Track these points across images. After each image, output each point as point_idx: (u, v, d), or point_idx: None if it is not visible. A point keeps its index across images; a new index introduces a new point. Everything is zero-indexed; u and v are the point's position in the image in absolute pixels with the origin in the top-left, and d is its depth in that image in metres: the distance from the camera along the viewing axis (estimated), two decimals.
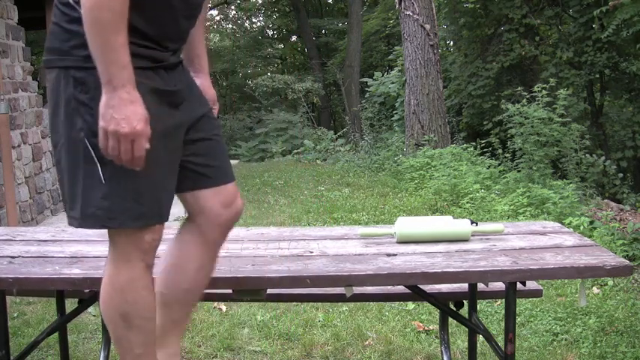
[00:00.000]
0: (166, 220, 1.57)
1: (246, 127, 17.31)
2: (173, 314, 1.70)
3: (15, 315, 3.32)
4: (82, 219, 1.49)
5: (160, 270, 1.70)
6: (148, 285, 1.57)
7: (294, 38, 24.29)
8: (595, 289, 3.62)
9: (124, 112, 1.36)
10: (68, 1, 1.45)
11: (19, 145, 5.55)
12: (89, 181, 1.46)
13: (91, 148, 1.44)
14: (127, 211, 1.47)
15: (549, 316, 3.20)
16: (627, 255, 4.00)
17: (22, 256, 1.94)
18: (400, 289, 2.22)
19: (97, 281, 1.74)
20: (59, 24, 1.47)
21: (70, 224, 1.53)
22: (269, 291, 1.88)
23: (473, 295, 2.21)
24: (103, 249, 2.02)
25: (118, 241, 1.53)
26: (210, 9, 24.29)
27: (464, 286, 2.23)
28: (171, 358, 1.69)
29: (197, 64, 1.82)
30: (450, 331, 2.62)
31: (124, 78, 1.36)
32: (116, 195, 1.46)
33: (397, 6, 9.01)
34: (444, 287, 2.28)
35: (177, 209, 1.79)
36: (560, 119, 6.57)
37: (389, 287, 2.27)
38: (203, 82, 1.82)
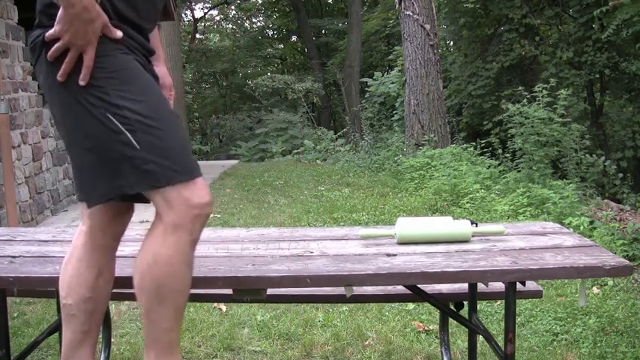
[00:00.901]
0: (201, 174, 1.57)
1: (246, 127, 17.33)
2: (81, 325, 1.67)
3: (15, 315, 3.33)
4: (129, 186, 1.50)
5: (61, 280, 1.67)
6: (189, 261, 1.56)
7: (294, 38, 24.32)
8: (595, 289, 3.62)
9: (75, 24, 1.45)
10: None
11: (19, 145, 5.56)
12: (124, 151, 1.48)
13: (115, 121, 1.48)
14: (169, 168, 1.49)
15: (549, 316, 3.20)
16: (627, 255, 4.00)
17: (23, 256, 1.95)
18: (400, 289, 2.22)
19: None
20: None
21: (116, 194, 1.53)
22: (269, 291, 1.88)
23: (473, 295, 2.21)
24: None
25: (166, 206, 1.51)
26: (210, 9, 24.30)
27: (464, 287, 2.24)
28: None
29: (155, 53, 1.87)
30: (450, 331, 2.62)
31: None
32: (154, 156, 1.48)
33: (397, 6, 9.02)
34: (445, 288, 2.28)
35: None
36: (561, 119, 6.58)
37: (389, 288, 2.27)
38: (161, 69, 1.87)
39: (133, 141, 1.48)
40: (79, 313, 1.65)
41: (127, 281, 1.74)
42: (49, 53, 1.49)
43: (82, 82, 1.48)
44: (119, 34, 1.51)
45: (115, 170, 1.50)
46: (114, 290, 1.74)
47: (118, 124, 1.48)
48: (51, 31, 1.48)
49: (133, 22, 1.60)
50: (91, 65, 1.48)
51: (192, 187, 1.52)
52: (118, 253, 1.88)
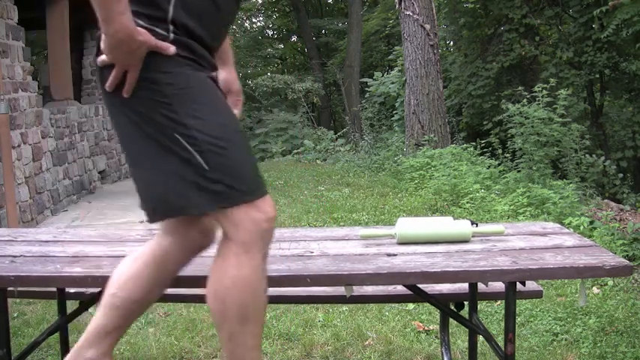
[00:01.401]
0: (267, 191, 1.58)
1: (246, 127, 17.31)
2: (118, 319, 1.67)
3: (15, 315, 3.33)
4: (197, 207, 1.50)
5: (121, 272, 1.68)
6: (265, 275, 1.57)
7: (294, 38, 24.30)
8: (595, 289, 3.62)
9: (121, 49, 1.45)
10: None
11: (19, 145, 5.56)
12: (193, 171, 1.48)
13: (183, 141, 1.47)
14: (236, 188, 1.49)
15: (549, 316, 3.20)
16: (627, 255, 4.00)
17: (24, 256, 1.95)
18: (400, 289, 2.22)
19: (98, 279, 1.75)
20: None
21: (183, 213, 1.54)
22: (269, 291, 1.88)
23: (473, 295, 2.21)
24: (104, 249, 2.02)
25: (234, 227, 1.52)
26: None
27: (464, 287, 2.24)
28: (104, 357, 1.67)
29: (224, 57, 1.84)
30: (450, 331, 2.62)
31: (122, 23, 1.42)
32: (222, 176, 1.48)
33: (397, 6, 9.02)
34: (445, 288, 2.28)
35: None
36: (561, 119, 6.58)
37: (389, 288, 2.27)
38: (229, 75, 1.85)
39: (202, 162, 1.47)
40: (123, 308, 1.66)
41: None
42: (98, 61, 1.50)
43: (125, 94, 1.48)
44: (172, 49, 1.48)
45: (181, 190, 1.50)
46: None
47: (186, 145, 1.47)
48: (100, 58, 1.49)
49: (203, 40, 1.56)
50: (133, 83, 1.47)
51: (259, 205, 1.53)
52: (118, 253, 1.89)
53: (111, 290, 1.66)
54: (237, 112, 1.82)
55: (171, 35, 1.49)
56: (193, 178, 1.48)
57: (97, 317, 1.67)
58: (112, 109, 1.57)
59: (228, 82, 1.83)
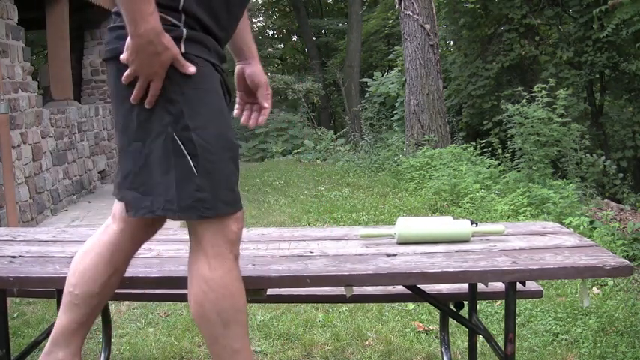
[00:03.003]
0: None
1: (246, 127, 17.29)
2: (81, 316, 1.67)
3: (15, 315, 3.33)
4: (181, 211, 1.50)
5: (74, 269, 1.68)
6: (239, 276, 1.58)
7: (294, 38, 24.29)
8: (595, 289, 3.62)
9: (147, 57, 1.44)
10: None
11: (19, 145, 5.56)
12: (182, 174, 1.48)
13: (180, 142, 1.47)
14: (220, 199, 1.51)
15: (549, 316, 3.20)
16: (627, 255, 4.00)
17: (23, 256, 1.95)
18: (400, 289, 2.22)
19: None
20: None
21: (163, 214, 1.53)
22: (269, 291, 1.88)
23: (473, 295, 2.21)
24: None
25: (206, 235, 1.53)
26: None
27: (464, 287, 2.24)
28: (74, 357, 1.67)
29: (247, 52, 1.83)
30: (450, 331, 2.62)
31: (150, 26, 1.41)
32: (210, 185, 1.49)
33: (397, 6, 9.02)
34: (445, 288, 2.28)
35: None
36: (560, 119, 6.58)
37: (389, 288, 2.27)
38: (255, 68, 1.83)
39: (192, 166, 1.48)
40: (83, 305, 1.65)
41: (127, 281, 1.75)
42: (123, 78, 1.48)
43: (147, 106, 1.47)
44: (192, 69, 1.48)
45: (167, 190, 1.50)
46: (116, 290, 1.74)
47: (182, 147, 1.47)
48: (122, 56, 1.47)
49: (212, 31, 1.57)
50: (156, 94, 1.47)
51: (235, 218, 1.56)
52: None
53: (68, 289, 1.66)
54: (266, 105, 1.83)
55: (184, 30, 1.49)
56: (181, 181, 1.48)
57: (60, 318, 1.67)
58: (116, 98, 1.56)
59: (254, 75, 1.82)
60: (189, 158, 1.47)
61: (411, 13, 8.64)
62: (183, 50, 1.48)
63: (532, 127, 6.46)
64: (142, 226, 1.68)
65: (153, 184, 1.51)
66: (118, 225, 1.67)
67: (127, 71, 1.47)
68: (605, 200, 5.96)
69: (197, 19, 1.52)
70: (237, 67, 1.85)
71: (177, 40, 1.48)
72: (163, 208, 1.51)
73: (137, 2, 1.38)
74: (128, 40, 1.44)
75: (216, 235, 1.53)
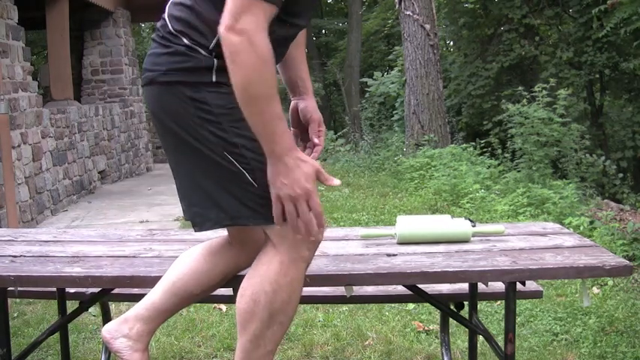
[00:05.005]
0: None
1: None
2: (173, 305, 1.70)
3: (15, 315, 3.33)
4: (246, 218, 1.53)
5: (184, 262, 1.70)
6: (302, 284, 1.59)
7: None
8: (595, 289, 3.62)
9: (292, 176, 1.42)
10: (170, 31, 1.52)
11: (19, 145, 5.56)
12: (241, 188, 1.50)
13: (232, 158, 1.49)
14: None
15: (549, 316, 3.20)
16: (627, 255, 4.00)
17: (24, 256, 1.95)
18: (400, 289, 2.22)
19: (98, 279, 1.75)
20: (163, 52, 1.53)
21: (224, 225, 1.56)
22: None
23: (473, 295, 2.21)
24: (104, 249, 2.02)
25: (281, 240, 1.53)
26: None
27: (464, 287, 2.24)
28: (147, 335, 1.69)
29: (302, 86, 1.80)
30: (450, 331, 2.62)
31: (285, 145, 1.42)
32: (269, 193, 1.48)
33: (397, 6, 9.02)
34: (445, 288, 2.28)
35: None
36: (560, 119, 6.58)
37: (389, 288, 2.27)
38: (308, 103, 1.80)
39: (250, 179, 1.49)
40: (181, 297, 1.68)
41: (127, 281, 1.74)
42: (275, 220, 1.48)
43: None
44: (336, 182, 1.50)
45: (231, 204, 1.52)
46: (115, 291, 1.75)
47: (235, 162, 1.49)
48: (273, 195, 1.46)
49: None
50: (320, 214, 1.46)
51: None
52: (118, 253, 1.88)
53: (172, 278, 1.68)
54: (319, 142, 1.77)
55: (215, 61, 1.49)
56: (242, 195, 1.51)
57: (155, 296, 1.68)
58: (160, 125, 1.57)
59: (308, 110, 1.78)
60: (245, 173, 1.50)
61: (410, 13, 8.65)
62: (214, 79, 1.49)
63: (532, 127, 6.47)
64: (251, 246, 1.68)
65: (214, 200, 1.54)
66: (236, 247, 1.71)
67: (275, 199, 1.45)
68: (605, 200, 5.96)
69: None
70: (292, 103, 1.82)
71: (208, 69, 1.49)
72: (227, 218, 1.54)
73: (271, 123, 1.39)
74: (269, 170, 1.44)
75: (293, 238, 1.52)
